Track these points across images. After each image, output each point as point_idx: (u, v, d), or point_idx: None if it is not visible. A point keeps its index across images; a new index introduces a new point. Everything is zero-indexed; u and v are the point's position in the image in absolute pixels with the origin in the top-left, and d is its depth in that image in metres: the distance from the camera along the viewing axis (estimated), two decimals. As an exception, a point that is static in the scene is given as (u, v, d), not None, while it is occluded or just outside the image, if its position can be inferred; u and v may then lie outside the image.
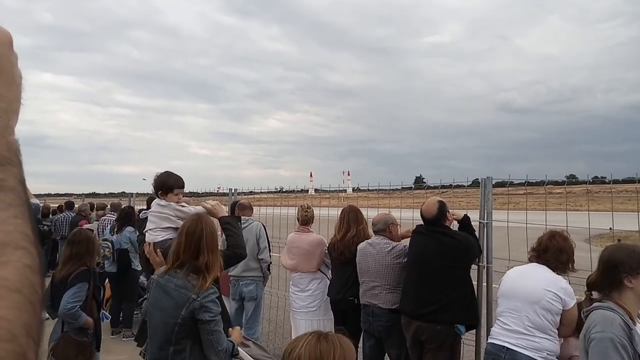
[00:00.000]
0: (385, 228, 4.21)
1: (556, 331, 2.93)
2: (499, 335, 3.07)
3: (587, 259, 3.09)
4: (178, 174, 3.26)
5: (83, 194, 16.47)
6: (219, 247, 2.81)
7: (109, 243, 6.35)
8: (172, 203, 3.10)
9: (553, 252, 3.05)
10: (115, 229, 6.59)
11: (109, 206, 8.84)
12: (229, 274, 5.50)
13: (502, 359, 2.99)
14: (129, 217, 6.63)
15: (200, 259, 2.53)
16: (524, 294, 2.99)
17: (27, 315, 0.47)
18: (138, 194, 10.68)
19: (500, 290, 3.20)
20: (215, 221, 2.98)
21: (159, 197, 3.19)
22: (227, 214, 3.17)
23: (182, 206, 3.09)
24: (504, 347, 2.99)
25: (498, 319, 3.15)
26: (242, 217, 5.52)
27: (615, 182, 4.58)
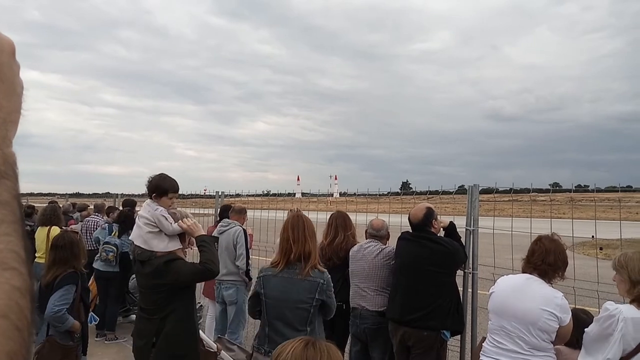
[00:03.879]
0: (385, 235, 4.27)
1: (552, 346, 2.84)
2: (494, 354, 2.94)
3: (570, 266, 3.10)
4: (173, 178, 3.22)
5: (67, 193, 16.26)
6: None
7: (112, 247, 6.27)
8: (160, 208, 3.07)
9: (539, 254, 2.93)
10: (116, 233, 6.51)
11: (91, 206, 8.72)
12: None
13: None
14: (130, 221, 6.56)
15: (306, 248, 2.93)
16: (520, 314, 2.83)
17: (12, 342, 0.44)
18: (123, 195, 10.57)
19: (493, 306, 3.03)
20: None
21: (152, 200, 3.15)
22: (204, 233, 3.15)
23: (166, 218, 3.05)
24: None
25: (491, 336, 3.01)
26: (224, 221, 5.50)
27: (598, 190, 4.65)
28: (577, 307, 3.24)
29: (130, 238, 3.27)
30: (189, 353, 3.04)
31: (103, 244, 6.31)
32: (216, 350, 3.44)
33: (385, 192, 5.62)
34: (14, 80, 0.58)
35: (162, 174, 3.21)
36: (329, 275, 3.03)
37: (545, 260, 2.90)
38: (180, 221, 3.06)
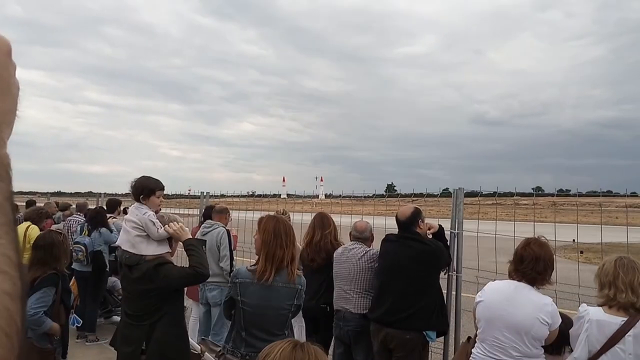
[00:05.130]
0: (369, 237, 4.28)
1: (542, 351, 2.83)
2: None
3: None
4: (156, 178, 3.20)
5: (48, 192, 16.01)
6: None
7: (81, 246, 6.18)
8: (149, 213, 3.03)
9: (529, 261, 2.87)
10: (86, 231, 6.42)
11: (73, 206, 8.60)
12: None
13: None
14: (101, 217, 6.47)
15: (294, 253, 2.94)
16: (513, 325, 2.79)
17: (1, 349, 0.43)
18: (106, 194, 10.45)
19: (483, 315, 2.96)
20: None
21: (140, 202, 3.11)
22: (190, 237, 3.13)
23: (154, 223, 3.02)
24: None
25: (482, 344, 2.96)
26: (207, 222, 5.46)
27: (580, 195, 4.72)
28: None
29: (117, 243, 3.23)
30: (180, 358, 3.02)
31: (73, 244, 6.23)
32: (200, 352, 3.41)
33: (370, 194, 5.65)
34: (10, 80, 0.57)
35: (143, 175, 3.19)
36: (305, 280, 3.03)
37: (535, 268, 2.86)
38: (166, 226, 3.02)
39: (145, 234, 2.98)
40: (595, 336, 2.51)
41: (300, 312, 4.56)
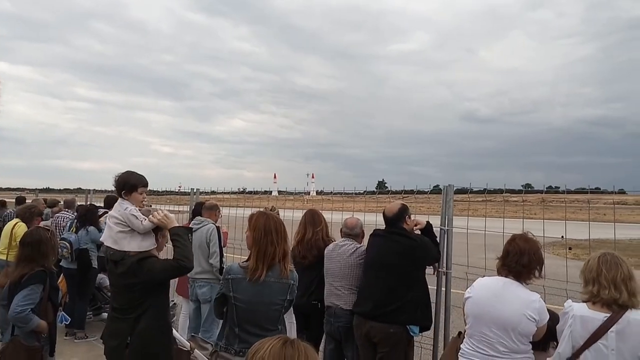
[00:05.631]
0: (360, 233, 4.29)
1: (530, 347, 2.86)
2: (473, 357, 2.93)
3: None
4: (140, 173, 3.14)
5: (36, 189, 15.84)
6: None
7: (66, 243, 6.12)
8: (130, 207, 3.00)
9: (513, 255, 2.91)
10: (74, 228, 6.36)
11: (61, 202, 8.51)
12: (187, 275, 5.41)
13: None
14: (90, 215, 6.41)
15: (286, 249, 2.93)
16: (501, 321, 2.82)
17: None
18: (95, 191, 10.35)
19: (471, 311, 2.99)
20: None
21: (122, 198, 3.07)
22: (177, 224, 3.06)
23: (136, 217, 2.98)
24: None
25: (470, 340, 2.99)
26: (197, 218, 5.43)
27: (569, 192, 4.76)
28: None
29: (101, 240, 3.19)
30: (163, 351, 2.99)
31: (60, 240, 6.18)
32: (189, 348, 3.39)
33: (361, 191, 5.65)
34: None
35: (128, 170, 3.14)
36: (297, 275, 3.02)
37: (520, 262, 2.89)
38: (150, 215, 2.98)
39: (128, 229, 2.94)
40: (579, 332, 2.53)
41: (292, 308, 4.58)
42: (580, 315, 2.55)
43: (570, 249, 11.59)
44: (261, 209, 4.16)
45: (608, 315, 2.48)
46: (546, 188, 4.72)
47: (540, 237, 3.75)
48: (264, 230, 2.89)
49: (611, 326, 2.45)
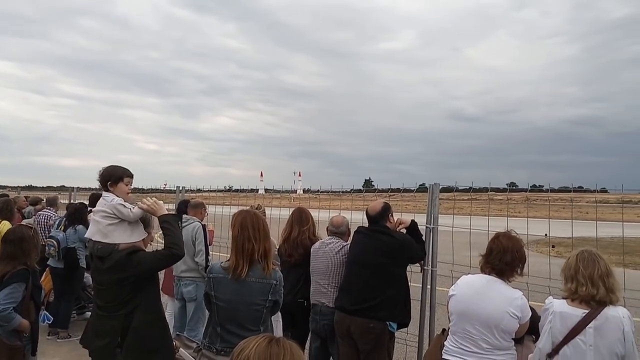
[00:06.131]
0: (346, 231, 4.30)
1: (513, 343, 2.90)
2: (457, 354, 2.97)
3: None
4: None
5: (18, 186, 15.61)
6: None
7: (54, 241, 6.04)
8: (115, 199, 2.97)
9: (496, 253, 2.95)
10: (62, 227, 6.27)
11: (44, 200, 8.39)
12: (172, 273, 5.37)
13: None
14: (80, 214, 6.32)
15: (266, 247, 2.90)
16: (484, 318, 2.85)
17: None
18: (79, 188, 10.22)
19: (455, 308, 3.03)
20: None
21: (108, 189, 3.04)
22: (166, 212, 3.03)
23: (124, 205, 2.95)
24: None
25: (453, 337, 3.03)
26: (183, 216, 5.39)
27: (552, 190, 4.82)
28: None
29: (85, 236, 3.15)
30: (162, 347, 2.95)
31: (47, 238, 6.09)
32: (175, 347, 3.36)
33: (348, 190, 5.66)
34: None
35: (111, 164, 3.13)
36: (282, 274, 3.00)
37: (503, 259, 2.93)
38: (139, 203, 2.96)
39: (117, 220, 2.91)
40: (558, 328, 2.57)
41: (277, 306, 4.58)
42: (560, 311, 2.59)
43: (553, 246, 11.76)
44: (247, 208, 4.14)
45: (587, 311, 2.52)
46: (530, 187, 4.78)
47: (525, 235, 3.80)
48: (241, 226, 2.89)
49: (589, 322, 2.49)
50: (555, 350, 2.59)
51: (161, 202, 3.04)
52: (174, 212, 3.38)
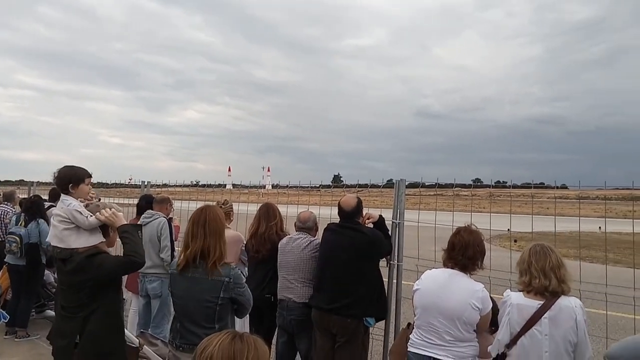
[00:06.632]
0: (313, 227, 4.30)
1: (475, 335, 2.99)
2: (422, 346, 3.05)
3: (487, 257, 3.27)
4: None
5: (-27, 180, 14.92)
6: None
7: (16, 237, 5.81)
8: (73, 203, 2.88)
9: (459, 248, 3.05)
10: (22, 222, 6.04)
11: (0, 195, 8.06)
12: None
13: None
14: (37, 207, 6.10)
15: (205, 245, 2.81)
16: (448, 311, 2.94)
17: None
18: (39, 183, 9.86)
19: (419, 302, 3.11)
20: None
21: (68, 192, 2.95)
22: (125, 222, 2.98)
23: (81, 213, 2.87)
24: (430, 357, 3.00)
25: (418, 330, 3.11)
26: (147, 212, 5.29)
27: (515, 187, 4.96)
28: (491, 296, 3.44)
29: (47, 240, 3.07)
30: (116, 351, 2.90)
31: (8, 234, 5.87)
32: (138, 345, 3.30)
33: (317, 185, 5.67)
34: None
35: (66, 165, 3.05)
36: (238, 271, 2.94)
37: (465, 254, 3.04)
38: (97, 213, 2.88)
39: (73, 226, 2.84)
40: (516, 319, 2.68)
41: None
42: (517, 303, 2.70)
43: (515, 241, 12.06)
44: (213, 203, 4.08)
45: (542, 302, 2.63)
46: (494, 183, 4.90)
47: (487, 230, 3.90)
48: (192, 222, 2.90)
49: (544, 313, 2.61)
50: (514, 340, 2.68)
51: (120, 213, 2.98)
52: (131, 222, 3.31)
